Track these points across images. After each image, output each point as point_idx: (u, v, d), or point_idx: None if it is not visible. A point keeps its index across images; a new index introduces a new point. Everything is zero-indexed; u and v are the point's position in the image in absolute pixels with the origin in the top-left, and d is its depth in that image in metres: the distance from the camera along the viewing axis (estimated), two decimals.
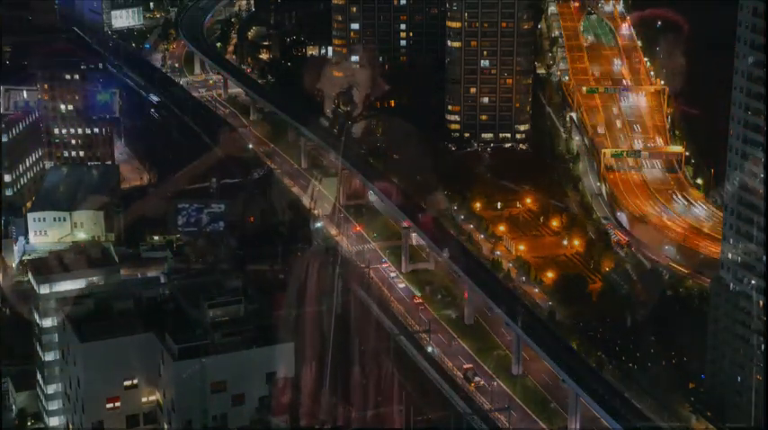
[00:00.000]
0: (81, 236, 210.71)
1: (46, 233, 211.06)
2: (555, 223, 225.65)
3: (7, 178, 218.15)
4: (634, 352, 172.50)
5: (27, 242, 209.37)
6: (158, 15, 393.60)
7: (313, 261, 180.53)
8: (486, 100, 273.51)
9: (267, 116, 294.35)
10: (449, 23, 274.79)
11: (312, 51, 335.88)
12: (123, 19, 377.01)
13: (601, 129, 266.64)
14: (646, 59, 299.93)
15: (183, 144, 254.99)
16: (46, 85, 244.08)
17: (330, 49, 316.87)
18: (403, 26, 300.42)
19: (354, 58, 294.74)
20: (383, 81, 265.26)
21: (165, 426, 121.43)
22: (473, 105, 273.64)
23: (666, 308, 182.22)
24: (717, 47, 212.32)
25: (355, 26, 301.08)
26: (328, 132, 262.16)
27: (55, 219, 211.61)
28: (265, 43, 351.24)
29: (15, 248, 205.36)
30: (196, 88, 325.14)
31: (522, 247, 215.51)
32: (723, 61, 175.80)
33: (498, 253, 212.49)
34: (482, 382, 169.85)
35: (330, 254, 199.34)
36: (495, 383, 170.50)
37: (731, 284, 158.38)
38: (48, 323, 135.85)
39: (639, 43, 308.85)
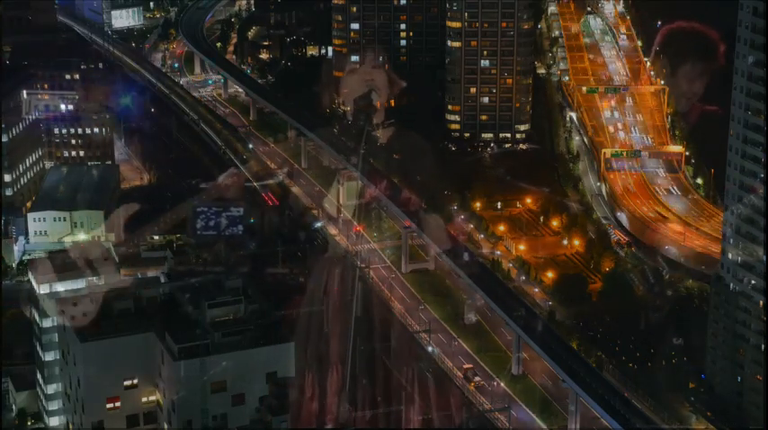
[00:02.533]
0: (81, 236, 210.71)
1: (46, 233, 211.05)
2: (555, 223, 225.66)
3: (7, 178, 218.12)
4: (634, 352, 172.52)
5: (27, 242, 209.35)
6: (158, 15, 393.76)
7: (330, 266, 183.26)
8: (486, 100, 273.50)
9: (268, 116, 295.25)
10: (449, 23, 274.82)
11: (312, 51, 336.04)
12: (123, 19, 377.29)
13: (600, 129, 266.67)
14: (646, 59, 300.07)
15: None
16: (44, 85, 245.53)
17: (330, 49, 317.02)
18: (403, 26, 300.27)
19: (354, 58, 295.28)
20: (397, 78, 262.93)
21: (165, 426, 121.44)
22: (473, 105, 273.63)
23: (667, 307, 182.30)
24: (716, 45, 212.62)
25: (355, 26, 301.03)
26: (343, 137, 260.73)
27: (55, 219, 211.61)
28: (265, 43, 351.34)
29: (15, 248, 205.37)
30: (196, 88, 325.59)
31: (522, 247, 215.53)
32: (722, 59, 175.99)
33: (498, 253, 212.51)
34: (482, 382, 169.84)
35: (347, 259, 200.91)
36: (495, 383, 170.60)
37: (731, 284, 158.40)
38: (48, 323, 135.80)
39: (639, 43, 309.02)
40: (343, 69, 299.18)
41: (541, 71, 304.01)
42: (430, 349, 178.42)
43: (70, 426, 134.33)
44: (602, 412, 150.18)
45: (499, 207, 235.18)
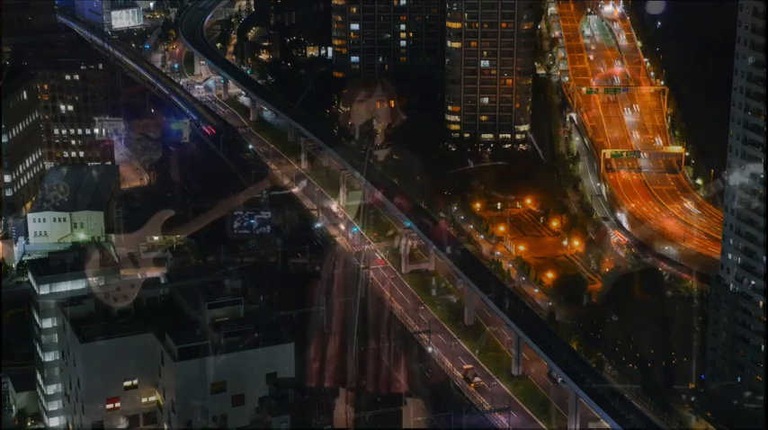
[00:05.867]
0: (81, 236, 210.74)
1: (46, 233, 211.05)
2: (555, 223, 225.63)
3: (7, 178, 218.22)
4: (634, 352, 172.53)
5: (27, 242, 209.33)
6: (158, 16, 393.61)
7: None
8: (486, 100, 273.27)
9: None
10: (449, 24, 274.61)
11: (312, 52, 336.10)
12: (123, 19, 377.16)
13: (600, 130, 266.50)
14: (645, 60, 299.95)
15: None
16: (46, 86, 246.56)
17: (330, 49, 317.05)
18: (403, 26, 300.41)
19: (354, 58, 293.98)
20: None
21: (165, 427, 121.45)
22: (473, 106, 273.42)
23: (666, 308, 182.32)
24: (715, 46, 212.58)
25: (355, 26, 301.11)
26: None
27: (55, 220, 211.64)
28: (265, 43, 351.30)
29: (15, 248, 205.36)
30: (196, 89, 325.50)
31: (522, 248, 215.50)
32: (722, 60, 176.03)
33: (498, 253, 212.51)
34: (482, 383, 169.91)
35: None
36: (495, 383, 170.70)
37: (731, 285, 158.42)
38: (48, 324, 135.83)
39: (639, 44, 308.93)
40: (343, 71, 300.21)
41: (541, 72, 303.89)
42: (430, 349, 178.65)
43: (70, 427, 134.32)
44: (602, 412, 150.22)
45: (499, 207, 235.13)
